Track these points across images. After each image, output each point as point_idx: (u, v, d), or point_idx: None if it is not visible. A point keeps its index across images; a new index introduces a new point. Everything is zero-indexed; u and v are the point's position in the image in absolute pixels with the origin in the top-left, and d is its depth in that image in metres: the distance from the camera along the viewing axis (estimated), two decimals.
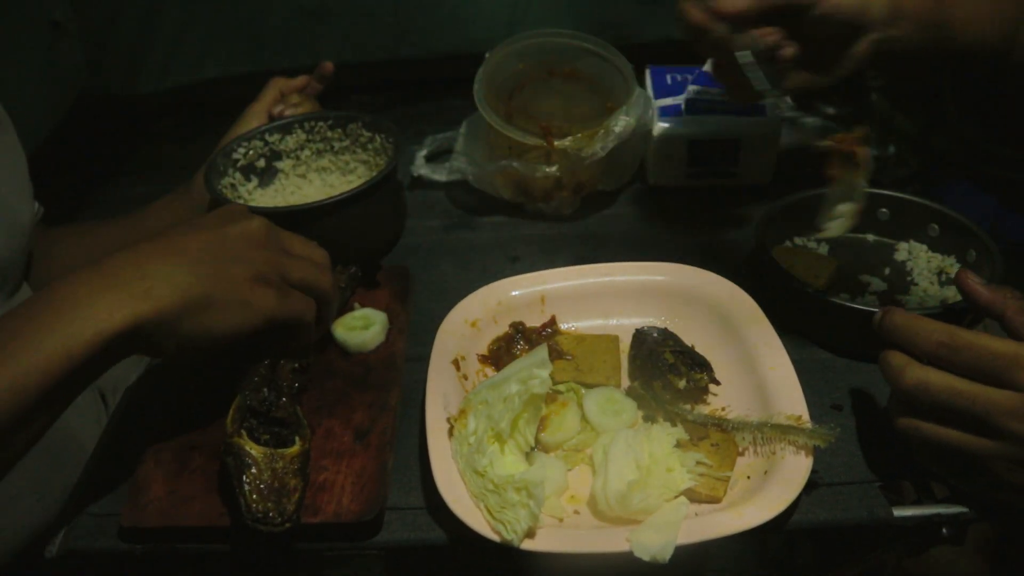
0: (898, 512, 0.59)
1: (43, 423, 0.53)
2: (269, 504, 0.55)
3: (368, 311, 0.77)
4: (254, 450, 0.57)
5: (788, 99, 0.69)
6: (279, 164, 0.95)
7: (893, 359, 0.56)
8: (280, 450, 0.58)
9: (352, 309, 0.77)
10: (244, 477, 0.56)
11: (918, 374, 0.54)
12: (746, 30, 0.67)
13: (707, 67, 0.72)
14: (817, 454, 0.59)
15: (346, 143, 0.96)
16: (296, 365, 0.67)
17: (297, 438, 0.60)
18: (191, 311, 0.55)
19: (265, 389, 0.63)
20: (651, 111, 0.94)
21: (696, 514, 0.58)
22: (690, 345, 0.71)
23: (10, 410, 0.49)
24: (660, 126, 0.96)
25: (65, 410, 0.54)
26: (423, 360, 0.70)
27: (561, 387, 0.70)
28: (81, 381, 0.53)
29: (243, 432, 0.59)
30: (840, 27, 0.68)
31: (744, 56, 0.68)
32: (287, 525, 0.55)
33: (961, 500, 0.60)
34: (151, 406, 0.72)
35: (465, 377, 0.70)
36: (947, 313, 0.66)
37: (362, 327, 0.75)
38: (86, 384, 0.54)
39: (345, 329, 0.75)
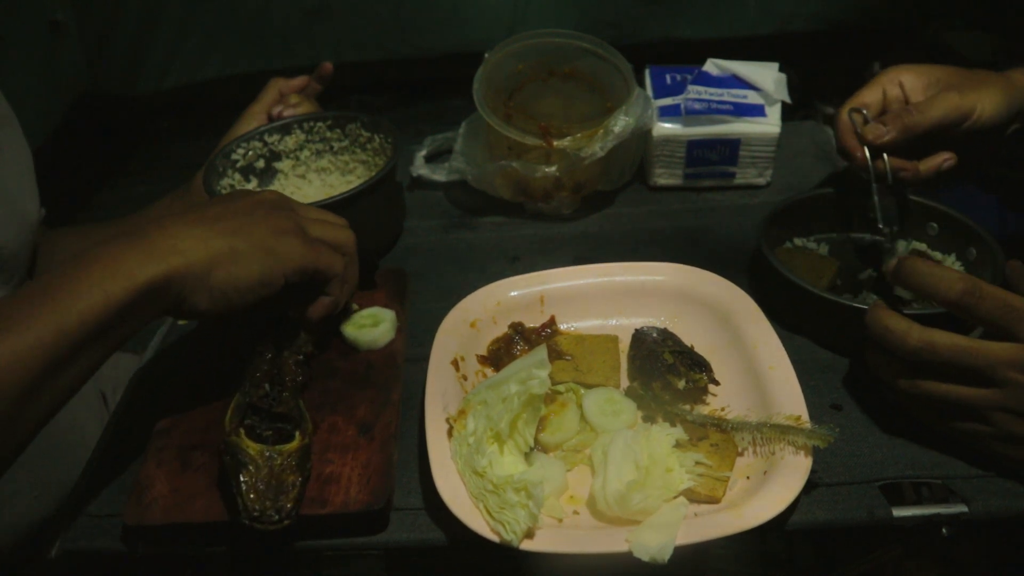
0: (898, 512, 0.59)
1: (79, 374, 0.54)
2: (267, 502, 0.55)
3: (376, 309, 0.77)
4: (251, 448, 0.57)
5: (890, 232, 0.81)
6: (278, 165, 0.95)
7: (896, 323, 0.59)
8: (277, 447, 0.58)
9: (352, 310, 0.77)
10: (241, 476, 0.56)
11: (922, 335, 0.57)
12: (882, 159, 0.79)
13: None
14: (817, 454, 0.59)
15: (345, 143, 0.96)
16: (300, 356, 0.68)
17: (297, 432, 0.60)
18: (219, 263, 0.58)
19: (267, 384, 0.64)
20: (651, 111, 0.94)
21: (695, 514, 0.57)
22: (690, 345, 0.71)
23: (53, 352, 0.51)
24: (660, 126, 0.96)
25: (97, 369, 0.56)
26: (422, 360, 0.70)
27: (560, 387, 0.70)
28: (115, 334, 0.55)
29: (240, 431, 0.59)
30: (988, 134, 0.78)
31: (877, 189, 0.80)
32: (286, 522, 0.55)
33: (961, 500, 0.60)
34: (152, 405, 0.72)
35: (464, 377, 0.70)
36: (942, 316, 0.65)
37: (372, 325, 0.75)
38: (119, 341, 0.56)
39: (355, 328, 0.75)
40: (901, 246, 0.81)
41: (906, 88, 0.81)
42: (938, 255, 0.83)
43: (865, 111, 0.81)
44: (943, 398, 0.58)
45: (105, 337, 0.54)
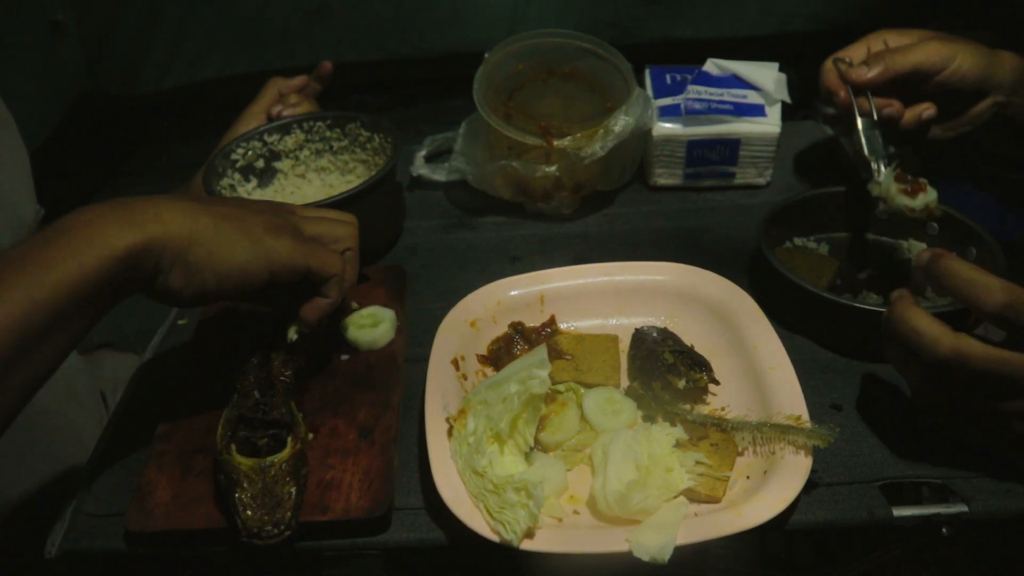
0: (898, 512, 0.59)
1: (55, 351, 0.52)
2: (264, 517, 0.55)
3: (375, 309, 0.77)
4: (242, 464, 0.57)
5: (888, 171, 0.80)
6: (278, 164, 0.95)
7: (926, 326, 0.55)
8: (269, 457, 0.58)
9: (352, 308, 0.77)
10: (236, 493, 0.56)
11: (954, 344, 0.54)
12: (866, 97, 0.80)
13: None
14: (817, 454, 0.59)
15: (345, 143, 0.96)
16: (286, 356, 0.67)
17: (289, 438, 0.60)
18: (201, 239, 0.56)
19: (256, 392, 0.63)
20: (651, 111, 0.94)
21: (696, 514, 0.57)
22: (690, 345, 0.71)
23: (25, 325, 0.49)
24: (660, 126, 0.96)
25: (74, 347, 0.54)
26: (423, 360, 0.70)
27: (560, 387, 0.70)
28: (92, 306, 0.53)
29: (232, 447, 0.59)
30: (965, 92, 0.79)
31: (862, 122, 0.80)
32: (286, 534, 0.55)
33: (961, 500, 0.60)
34: (152, 405, 0.72)
35: (464, 377, 0.70)
36: (955, 313, 0.65)
37: (371, 325, 0.75)
38: (95, 316, 0.54)
39: (355, 328, 0.75)
40: (885, 175, 0.79)
41: (890, 45, 0.83)
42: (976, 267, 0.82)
43: (849, 60, 0.82)
44: (968, 406, 0.56)
45: (81, 310, 0.52)
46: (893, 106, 0.80)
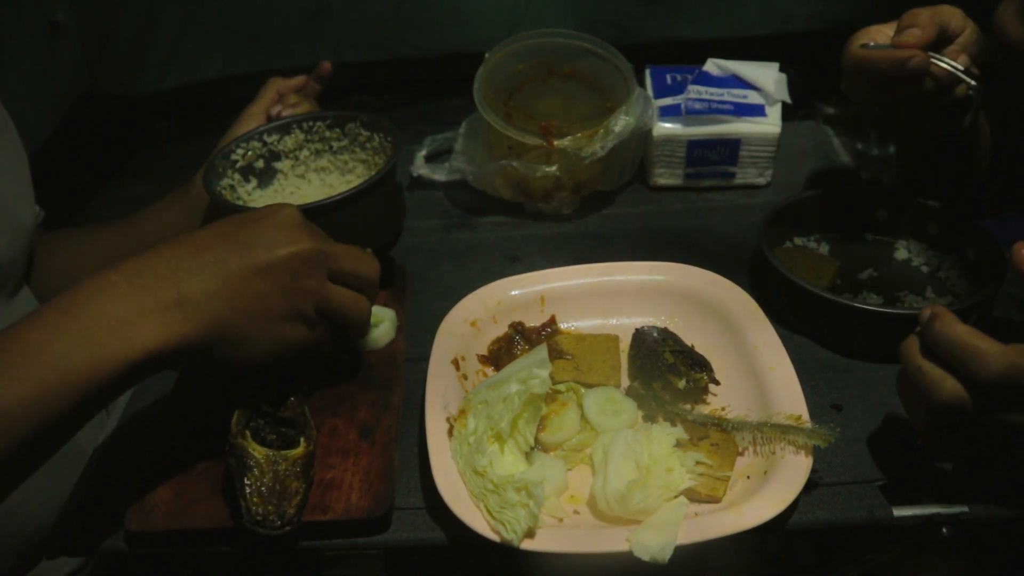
0: (898, 512, 0.59)
1: (63, 437, 0.52)
2: (269, 507, 0.55)
3: (376, 308, 0.77)
4: (256, 451, 0.57)
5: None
6: (278, 165, 0.95)
7: (980, 342, 0.50)
8: (283, 452, 0.58)
9: None
10: (245, 479, 0.56)
11: (1011, 358, 0.49)
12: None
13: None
14: (817, 454, 0.59)
15: (344, 143, 0.96)
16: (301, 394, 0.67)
17: (302, 439, 0.60)
18: (221, 344, 0.55)
19: (275, 389, 0.63)
20: (651, 111, 0.94)
21: (696, 514, 0.58)
22: (690, 345, 0.71)
23: (34, 422, 0.47)
24: (660, 126, 0.96)
25: (83, 426, 0.53)
26: (423, 360, 0.70)
27: (561, 387, 0.70)
28: (103, 400, 0.52)
29: (247, 433, 0.59)
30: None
31: (948, 63, 0.71)
32: (287, 529, 0.55)
33: (961, 500, 0.60)
34: (152, 406, 0.72)
35: (465, 377, 0.70)
36: (959, 313, 0.65)
37: (372, 325, 0.75)
38: (107, 403, 0.53)
39: None
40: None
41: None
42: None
43: (873, 43, 0.74)
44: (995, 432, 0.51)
45: (91, 404, 0.51)
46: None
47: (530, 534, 0.55)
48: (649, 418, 0.67)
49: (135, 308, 0.51)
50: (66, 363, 0.48)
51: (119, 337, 0.50)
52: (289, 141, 0.95)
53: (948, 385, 0.51)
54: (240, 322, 0.55)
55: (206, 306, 0.54)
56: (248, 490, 0.55)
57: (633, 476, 0.58)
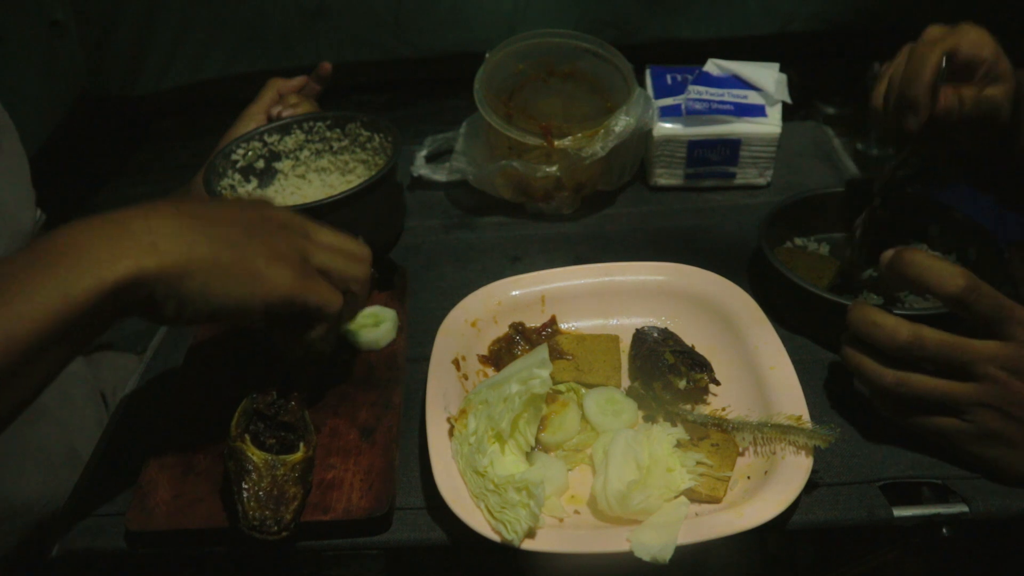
0: (898, 512, 0.59)
1: (37, 379, 0.50)
2: (267, 512, 0.55)
3: (377, 308, 0.77)
4: (255, 456, 0.57)
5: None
6: (278, 165, 0.95)
7: (884, 319, 0.59)
8: (282, 456, 0.58)
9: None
10: (243, 483, 0.56)
11: (912, 330, 0.58)
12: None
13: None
14: (817, 454, 0.59)
15: (345, 143, 0.96)
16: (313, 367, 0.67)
17: (301, 444, 0.60)
18: (195, 272, 0.52)
19: (275, 392, 0.63)
20: (651, 111, 0.94)
21: (696, 514, 0.58)
22: (690, 345, 0.71)
23: (3, 356, 0.46)
24: (660, 126, 0.96)
25: (60, 372, 0.51)
26: (423, 360, 0.70)
27: (561, 387, 0.70)
28: (78, 336, 0.50)
29: (246, 436, 0.59)
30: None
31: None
32: (284, 534, 0.55)
33: (961, 500, 0.60)
34: (152, 405, 0.72)
35: (465, 377, 0.70)
36: (933, 317, 0.66)
37: (372, 325, 0.75)
38: (83, 343, 0.51)
39: (356, 327, 0.75)
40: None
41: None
42: (938, 255, 0.83)
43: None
44: (925, 393, 0.58)
45: (66, 338, 0.48)
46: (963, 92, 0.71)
47: (531, 534, 0.55)
48: (649, 418, 0.67)
49: (106, 236, 0.50)
50: (34, 293, 0.47)
51: (90, 263, 0.49)
52: (289, 141, 0.95)
53: (903, 327, 0.58)
54: (217, 250, 0.53)
55: (180, 234, 0.52)
56: (246, 495, 0.55)
57: (633, 476, 0.58)
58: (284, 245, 0.57)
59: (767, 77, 0.96)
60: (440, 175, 1.03)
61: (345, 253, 0.61)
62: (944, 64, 0.69)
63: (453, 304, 0.74)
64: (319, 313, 0.59)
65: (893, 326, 0.58)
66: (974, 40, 0.70)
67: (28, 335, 0.46)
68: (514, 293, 0.76)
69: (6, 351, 0.46)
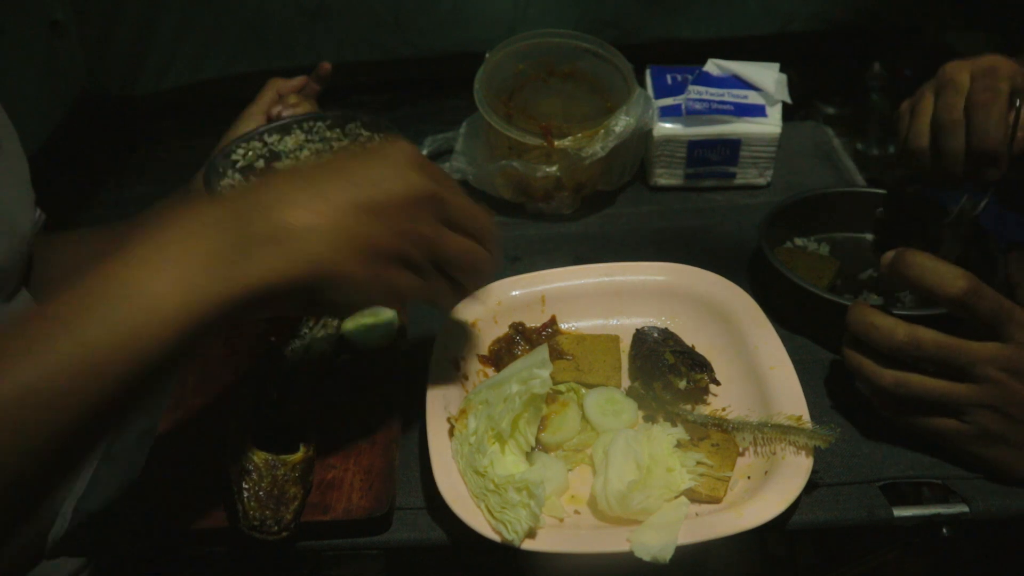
0: (898, 512, 0.59)
1: (157, 384, 0.48)
2: (267, 512, 0.55)
3: (376, 308, 0.77)
4: (255, 456, 0.57)
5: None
6: (278, 165, 0.95)
7: (882, 320, 0.59)
8: (282, 456, 0.58)
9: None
10: (243, 483, 0.56)
11: (909, 330, 0.58)
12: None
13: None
14: (817, 454, 0.59)
15: (345, 143, 0.96)
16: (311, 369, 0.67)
17: (302, 444, 0.60)
18: (322, 287, 0.49)
19: (275, 392, 0.63)
20: (651, 111, 0.94)
21: (696, 514, 0.58)
22: (690, 345, 0.71)
23: (128, 370, 0.43)
24: (660, 126, 0.96)
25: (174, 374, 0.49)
26: (424, 360, 0.70)
27: (561, 387, 0.70)
28: (198, 344, 0.47)
29: (247, 436, 0.59)
30: None
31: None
32: (284, 534, 0.55)
33: (961, 500, 0.60)
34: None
35: (465, 377, 0.70)
36: (930, 318, 0.66)
37: (373, 324, 0.75)
38: (201, 347, 0.49)
39: (355, 326, 0.75)
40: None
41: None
42: (939, 255, 0.83)
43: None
44: (924, 394, 0.58)
45: (185, 349, 0.46)
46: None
47: (531, 534, 0.55)
48: (650, 418, 0.67)
49: (229, 242, 0.47)
50: (159, 304, 0.44)
51: (212, 275, 0.46)
52: (290, 141, 0.95)
53: (901, 328, 0.58)
54: (343, 264, 0.49)
55: (305, 244, 0.48)
56: (246, 495, 0.55)
57: (634, 476, 0.58)
58: (415, 247, 0.52)
59: (767, 77, 0.96)
60: None
61: (471, 244, 0.56)
62: (1017, 108, 0.69)
63: None
64: (437, 306, 0.57)
65: (890, 327, 0.58)
66: (1014, 72, 0.70)
67: (154, 352, 0.44)
68: (514, 293, 0.76)
69: (133, 368, 0.44)
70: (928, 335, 0.57)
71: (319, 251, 0.48)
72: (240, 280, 0.46)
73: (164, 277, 0.45)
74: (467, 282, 0.57)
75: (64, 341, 0.43)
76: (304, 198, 0.49)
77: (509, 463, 0.61)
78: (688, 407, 0.66)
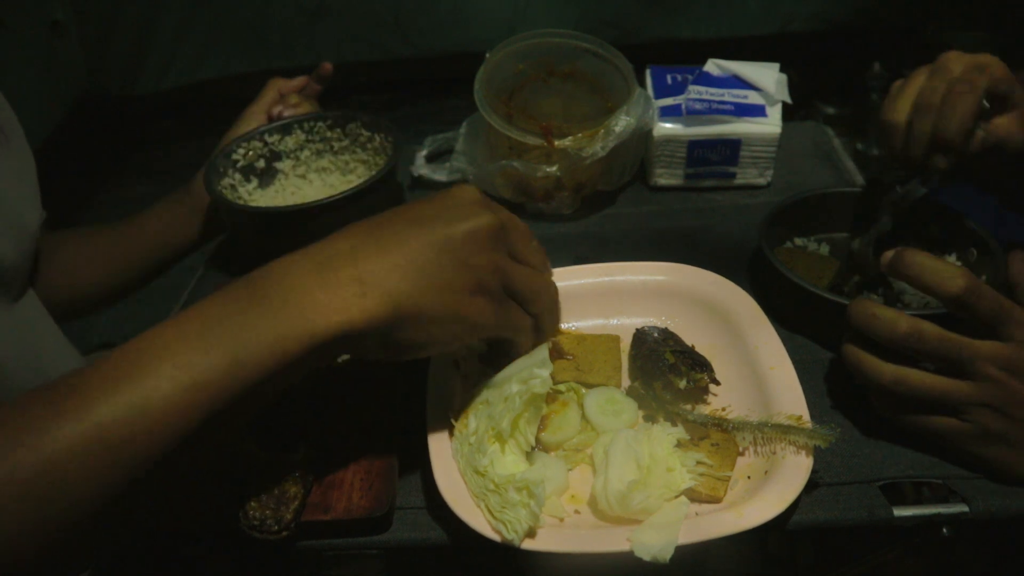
0: (898, 512, 0.59)
1: (245, 415, 0.50)
2: (267, 512, 0.55)
3: None
4: (257, 455, 0.57)
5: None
6: (279, 164, 0.95)
7: (883, 312, 0.59)
8: (282, 456, 0.58)
9: None
10: (243, 483, 0.56)
11: (911, 323, 0.58)
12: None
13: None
14: (817, 454, 0.59)
15: (345, 143, 0.96)
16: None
17: (302, 444, 0.60)
18: (403, 324, 0.52)
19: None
20: (651, 111, 0.94)
21: (697, 514, 0.58)
22: (691, 345, 0.71)
23: (223, 395, 0.46)
24: (660, 126, 0.96)
25: (256, 410, 0.51)
26: (423, 360, 0.69)
27: (561, 387, 0.70)
28: (286, 378, 0.50)
29: (247, 435, 0.59)
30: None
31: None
32: (284, 534, 0.55)
33: (961, 500, 0.60)
34: None
35: (466, 377, 0.70)
36: (933, 317, 0.66)
37: None
38: (288, 383, 0.51)
39: None
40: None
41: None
42: (938, 255, 0.83)
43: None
44: (924, 391, 0.59)
45: (263, 389, 0.48)
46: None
47: (531, 534, 0.55)
48: (650, 418, 0.67)
49: (317, 283, 0.50)
50: (254, 336, 0.47)
51: (302, 313, 0.49)
52: (290, 141, 0.95)
53: (903, 320, 0.58)
54: (422, 299, 0.52)
55: (386, 282, 0.51)
56: (247, 494, 0.55)
57: (634, 476, 0.58)
58: (487, 274, 0.55)
59: (767, 77, 0.96)
60: (440, 175, 1.03)
61: (534, 271, 0.60)
62: (983, 106, 0.70)
63: None
64: (509, 339, 0.61)
65: (893, 318, 0.59)
66: (1002, 76, 0.70)
67: (246, 381, 0.47)
68: None
69: (228, 395, 0.46)
70: (931, 328, 0.58)
71: (400, 288, 0.51)
72: (326, 318, 0.49)
73: (257, 312, 0.48)
74: (540, 315, 0.61)
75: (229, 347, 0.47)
76: (383, 243, 0.53)
77: (509, 463, 0.61)
78: (688, 407, 0.66)
